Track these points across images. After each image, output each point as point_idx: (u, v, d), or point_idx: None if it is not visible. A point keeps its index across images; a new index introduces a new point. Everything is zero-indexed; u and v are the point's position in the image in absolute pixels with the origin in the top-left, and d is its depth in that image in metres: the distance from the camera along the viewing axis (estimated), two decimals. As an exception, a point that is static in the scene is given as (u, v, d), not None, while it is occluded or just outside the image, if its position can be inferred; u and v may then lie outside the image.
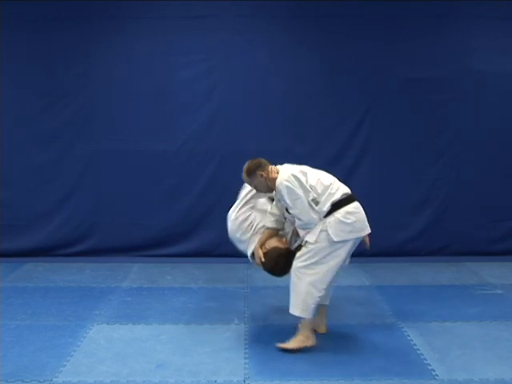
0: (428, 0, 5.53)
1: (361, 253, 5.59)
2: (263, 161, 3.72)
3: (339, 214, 3.53)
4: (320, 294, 3.53)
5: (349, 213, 3.55)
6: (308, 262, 3.52)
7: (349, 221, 3.53)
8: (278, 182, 3.56)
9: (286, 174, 3.58)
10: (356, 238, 3.59)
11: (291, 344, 3.56)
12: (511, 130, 5.71)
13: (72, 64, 5.54)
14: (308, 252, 3.53)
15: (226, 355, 3.48)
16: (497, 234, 5.75)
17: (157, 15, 5.54)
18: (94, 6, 5.49)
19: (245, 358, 3.44)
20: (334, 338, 3.76)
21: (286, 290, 4.56)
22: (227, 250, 5.66)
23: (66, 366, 3.32)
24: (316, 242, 3.51)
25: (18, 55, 5.54)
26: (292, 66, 5.59)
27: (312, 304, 3.53)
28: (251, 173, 3.69)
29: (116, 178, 5.65)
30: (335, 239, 3.49)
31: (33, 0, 5.47)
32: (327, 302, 3.82)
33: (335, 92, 5.65)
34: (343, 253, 3.54)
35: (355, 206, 3.60)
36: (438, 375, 3.24)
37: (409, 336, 3.76)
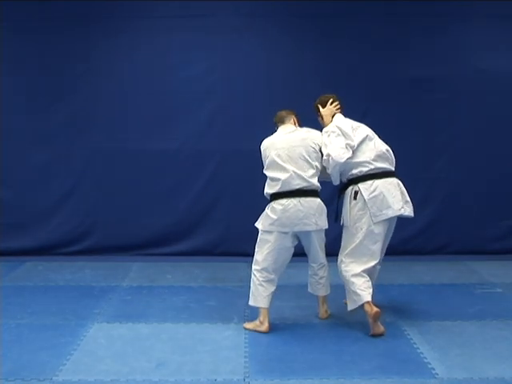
0: (428, 0, 5.53)
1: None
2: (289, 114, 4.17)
3: (268, 206, 3.84)
4: (256, 284, 3.81)
5: (274, 208, 3.78)
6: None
7: (271, 215, 3.78)
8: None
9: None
10: (282, 231, 3.78)
11: (248, 325, 3.90)
12: (511, 130, 5.72)
13: (72, 63, 5.55)
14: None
15: (226, 354, 3.47)
16: (497, 233, 5.75)
17: (156, 15, 5.54)
18: (94, 6, 5.50)
19: (245, 357, 3.44)
20: (334, 336, 3.76)
21: (286, 289, 4.58)
22: (227, 249, 5.69)
23: (66, 364, 3.32)
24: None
25: (18, 54, 5.54)
26: (292, 66, 5.59)
27: (254, 290, 3.84)
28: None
29: (116, 177, 5.65)
30: (259, 227, 3.86)
31: (33, 0, 5.47)
32: (318, 293, 4.06)
33: (335, 92, 5.61)
34: (273, 242, 3.79)
35: (283, 203, 3.75)
36: (437, 374, 3.24)
37: (409, 335, 3.76)
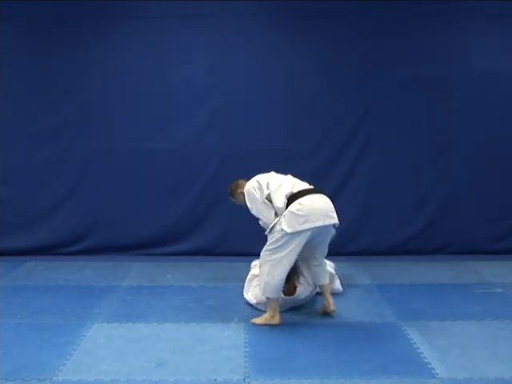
0: (428, 0, 5.53)
1: (361, 251, 5.66)
2: (241, 181, 4.20)
3: (292, 206, 3.77)
4: (278, 279, 3.79)
5: (301, 204, 3.76)
6: (267, 248, 3.84)
7: (301, 213, 3.73)
8: (245, 188, 4.05)
9: (251, 180, 4.04)
10: (313, 228, 3.75)
11: (259, 320, 3.90)
12: (511, 130, 5.72)
13: (72, 63, 5.54)
14: (269, 240, 3.84)
15: (226, 354, 3.47)
16: (497, 233, 5.75)
17: (156, 14, 5.53)
18: (93, 6, 5.49)
19: (245, 357, 3.43)
20: (334, 336, 3.76)
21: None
22: (227, 249, 5.69)
23: (66, 364, 3.32)
24: (273, 232, 3.80)
25: (17, 54, 5.53)
26: (292, 66, 5.58)
27: (271, 286, 3.80)
28: (233, 193, 4.26)
29: (116, 177, 5.65)
30: (288, 231, 3.71)
31: (33, 0, 5.47)
32: (324, 282, 4.09)
33: (335, 91, 5.65)
34: (298, 242, 3.75)
35: (309, 199, 3.79)
36: (437, 374, 3.24)
37: (409, 335, 3.76)
